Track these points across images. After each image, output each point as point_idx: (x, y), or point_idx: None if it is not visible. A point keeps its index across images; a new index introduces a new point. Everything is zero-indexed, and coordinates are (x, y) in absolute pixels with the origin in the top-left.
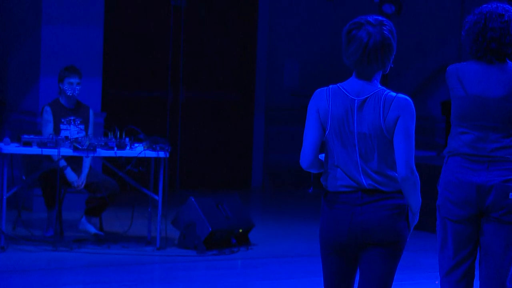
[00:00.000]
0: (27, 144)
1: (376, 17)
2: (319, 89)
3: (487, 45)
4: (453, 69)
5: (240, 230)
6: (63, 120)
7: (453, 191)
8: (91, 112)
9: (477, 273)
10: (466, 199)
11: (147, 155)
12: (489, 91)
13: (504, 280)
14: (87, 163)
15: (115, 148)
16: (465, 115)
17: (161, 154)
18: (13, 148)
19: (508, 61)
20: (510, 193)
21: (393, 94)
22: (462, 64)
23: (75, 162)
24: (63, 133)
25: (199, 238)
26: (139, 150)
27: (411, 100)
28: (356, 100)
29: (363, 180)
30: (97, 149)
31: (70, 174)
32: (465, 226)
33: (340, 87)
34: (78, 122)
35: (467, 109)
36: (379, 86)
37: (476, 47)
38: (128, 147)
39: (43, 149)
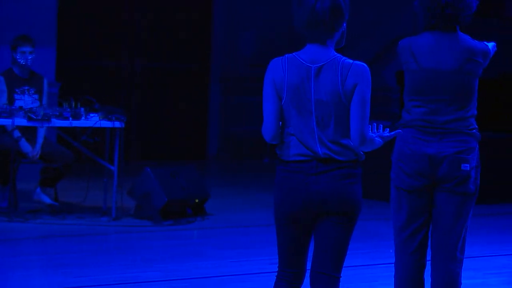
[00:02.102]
0: None
1: None
2: (274, 59)
3: (441, 11)
4: (405, 43)
5: (196, 200)
6: (17, 90)
7: (406, 162)
8: (45, 82)
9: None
10: (419, 170)
11: (102, 125)
12: (441, 64)
13: (454, 250)
14: (41, 133)
15: (70, 118)
16: (419, 89)
17: (117, 124)
18: None
19: (459, 31)
20: (462, 164)
21: (350, 60)
22: (414, 37)
23: (29, 133)
24: (17, 103)
25: (155, 208)
26: (94, 120)
27: (367, 67)
28: (313, 67)
29: (319, 149)
30: (52, 119)
31: (24, 145)
32: (418, 197)
33: (296, 56)
34: (32, 92)
35: (420, 83)
36: (335, 53)
37: (430, 14)
38: (83, 117)
39: None
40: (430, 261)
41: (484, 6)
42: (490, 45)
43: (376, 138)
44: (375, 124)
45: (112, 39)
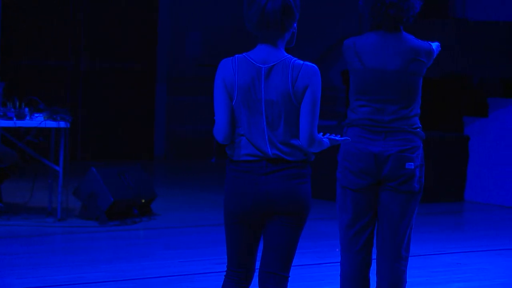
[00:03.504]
0: None
1: None
2: (224, 59)
3: (385, 11)
4: (350, 42)
5: (143, 201)
6: None
7: (351, 161)
8: None
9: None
10: (364, 169)
11: (47, 125)
12: (386, 63)
13: (399, 248)
14: None
15: (14, 119)
16: (363, 88)
17: (62, 124)
18: None
19: (402, 30)
20: (406, 163)
21: (301, 62)
22: (359, 37)
23: None
24: None
25: (101, 208)
26: (39, 120)
27: (318, 69)
28: (263, 68)
29: (268, 149)
30: None
31: None
32: (364, 195)
33: (246, 56)
34: None
35: (365, 82)
36: (286, 54)
37: (375, 14)
38: (27, 117)
39: None
40: (375, 260)
41: (428, 6)
42: (434, 45)
43: (325, 140)
44: (328, 134)
45: (57, 38)
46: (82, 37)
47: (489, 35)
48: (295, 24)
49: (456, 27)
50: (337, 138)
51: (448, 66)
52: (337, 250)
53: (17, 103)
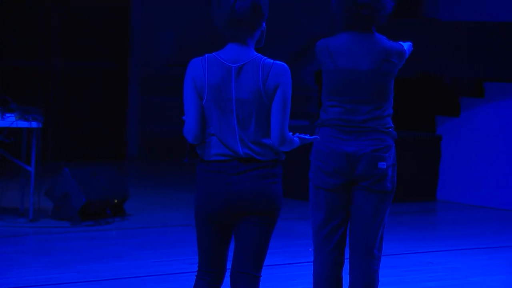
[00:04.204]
0: None
1: None
2: (194, 59)
3: (358, 11)
4: (323, 43)
5: (116, 201)
6: None
7: (324, 161)
8: None
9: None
10: (337, 168)
11: (19, 125)
12: (358, 64)
13: (372, 248)
14: None
15: None
16: (336, 89)
17: (34, 124)
18: None
19: (374, 31)
20: (379, 163)
21: (271, 60)
22: (332, 38)
23: None
24: None
25: (74, 209)
26: (10, 120)
27: (288, 67)
28: (233, 67)
29: (240, 149)
30: None
31: None
32: (337, 195)
33: (216, 55)
34: None
35: (338, 83)
36: (256, 53)
37: (347, 14)
38: None
39: None
40: (348, 259)
41: (400, 6)
42: (406, 45)
43: (295, 139)
44: (297, 133)
45: (29, 38)
46: (53, 36)
47: (461, 35)
48: (264, 23)
49: (428, 27)
50: (306, 137)
51: (420, 66)
52: (310, 249)
53: None
